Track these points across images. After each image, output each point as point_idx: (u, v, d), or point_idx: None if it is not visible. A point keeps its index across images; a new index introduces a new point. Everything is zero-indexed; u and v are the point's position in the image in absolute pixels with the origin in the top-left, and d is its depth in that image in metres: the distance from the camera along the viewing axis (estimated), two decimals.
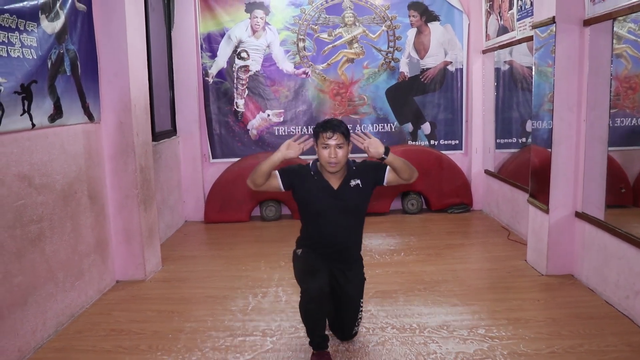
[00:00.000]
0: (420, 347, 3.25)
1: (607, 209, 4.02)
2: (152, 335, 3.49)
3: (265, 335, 3.45)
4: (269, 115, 6.72)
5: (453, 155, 6.81)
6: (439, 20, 6.66)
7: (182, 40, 6.40)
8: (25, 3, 3.19)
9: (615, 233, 3.71)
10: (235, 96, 6.65)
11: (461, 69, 6.74)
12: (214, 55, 6.56)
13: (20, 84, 3.12)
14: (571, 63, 4.11)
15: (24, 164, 3.22)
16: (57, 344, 3.41)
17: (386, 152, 3.02)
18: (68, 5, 3.72)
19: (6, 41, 3.00)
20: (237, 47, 6.57)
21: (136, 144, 4.36)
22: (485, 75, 6.51)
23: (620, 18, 3.84)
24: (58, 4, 3.58)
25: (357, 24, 6.64)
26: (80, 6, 3.91)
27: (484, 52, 6.47)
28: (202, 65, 6.56)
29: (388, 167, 3.12)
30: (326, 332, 3.13)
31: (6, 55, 2.99)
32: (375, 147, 3.03)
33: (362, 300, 3.29)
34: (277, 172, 3.13)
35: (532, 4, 4.81)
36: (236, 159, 6.66)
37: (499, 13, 5.88)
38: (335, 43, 6.65)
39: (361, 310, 3.29)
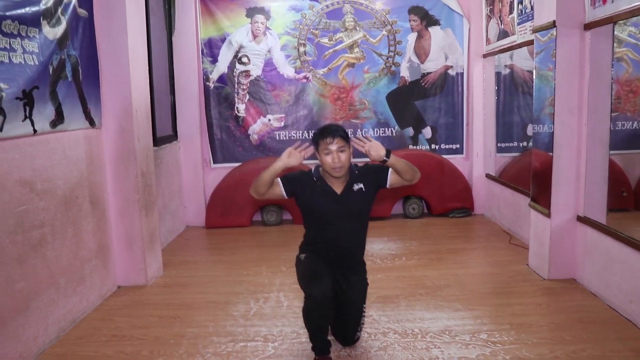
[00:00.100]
0: (422, 352, 3.24)
1: (608, 212, 4.02)
2: (154, 341, 3.49)
3: (267, 340, 3.45)
4: (269, 120, 6.72)
5: (454, 160, 6.81)
6: (439, 24, 6.67)
7: (183, 46, 6.40)
8: (27, 9, 3.20)
9: (617, 237, 3.70)
10: (236, 101, 6.65)
11: (462, 73, 6.74)
12: (214, 60, 6.57)
13: (22, 90, 3.13)
14: (572, 67, 4.12)
15: (25, 170, 3.22)
16: (59, 349, 3.40)
17: (387, 155, 3.02)
18: (69, 11, 3.73)
19: (8, 47, 3.00)
20: (237, 52, 6.58)
21: (137, 149, 4.36)
22: (486, 79, 6.52)
23: (621, 22, 3.84)
24: (59, 10, 3.59)
25: (357, 28, 6.64)
26: (82, 12, 3.92)
27: (485, 56, 6.48)
28: (203, 70, 6.57)
29: (390, 169, 3.12)
30: (328, 338, 3.13)
31: (8, 61, 3.00)
32: (377, 150, 3.03)
33: (364, 306, 3.28)
34: (279, 179, 3.13)
35: (532, 8, 4.82)
36: (237, 164, 6.66)
37: (500, 17, 5.89)
38: (336, 48, 6.66)
39: (364, 316, 3.29)
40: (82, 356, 3.32)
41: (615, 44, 3.97)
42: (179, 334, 3.57)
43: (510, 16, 5.55)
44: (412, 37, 6.69)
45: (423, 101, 6.79)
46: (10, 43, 3.02)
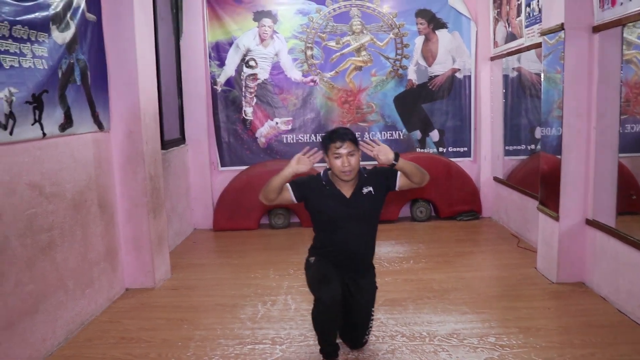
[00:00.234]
0: (430, 355, 3.23)
1: (618, 216, 4.00)
2: (162, 343, 3.50)
3: (275, 343, 3.45)
4: (277, 123, 6.73)
5: (462, 163, 6.79)
6: (446, 27, 6.66)
7: (190, 49, 6.43)
8: (36, 14, 3.22)
9: (627, 241, 3.68)
10: (244, 104, 6.67)
11: (469, 76, 6.73)
12: (222, 64, 6.59)
13: (31, 94, 3.15)
14: (580, 70, 4.10)
15: (35, 173, 3.24)
16: (67, 351, 3.41)
17: (396, 158, 3.02)
18: (78, 15, 3.75)
19: (18, 52, 3.03)
20: (245, 55, 6.60)
21: (145, 153, 4.38)
22: (494, 82, 6.50)
23: (630, 24, 3.82)
24: (68, 15, 3.62)
25: (364, 31, 6.65)
26: (90, 16, 3.95)
27: (492, 59, 6.47)
28: (210, 73, 6.59)
29: (399, 172, 3.12)
30: (337, 341, 3.13)
31: (18, 66, 3.02)
32: (385, 154, 3.03)
33: (373, 309, 3.28)
34: (288, 185, 3.13)
35: (540, 11, 4.81)
36: (245, 167, 6.67)
37: (507, 20, 5.88)
38: (343, 51, 6.67)
39: (372, 319, 3.29)
40: (90, 358, 3.34)
41: (624, 46, 3.95)
42: (186, 337, 3.58)
43: (518, 19, 5.54)
44: (419, 40, 6.69)
45: (430, 104, 6.78)
46: (20, 48, 3.05)
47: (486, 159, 6.70)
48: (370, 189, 3.16)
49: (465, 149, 6.88)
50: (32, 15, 3.18)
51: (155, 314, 4.00)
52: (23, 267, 3.10)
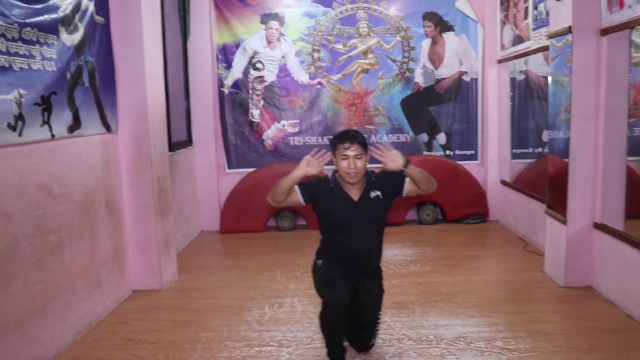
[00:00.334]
0: (437, 359, 3.22)
1: (626, 219, 3.98)
2: (169, 345, 3.50)
3: (282, 345, 3.45)
4: (284, 125, 6.74)
5: (469, 166, 6.78)
6: (453, 30, 6.65)
7: (197, 52, 6.45)
8: (46, 17, 3.24)
9: (635, 244, 3.66)
10: (251, 107, 6.68)
11: (476, 79, 6.72)
12: (229, 66, 6.61)
13: (40, 96, 3.17)
14: (588, 72, 4.09)
15: (43, 174, 3.26)
16: (76, 352, 3.43)
17: (406, 165, 3.02)
18: (87, 18, 3.77)
19: (27, 54, 3.04)
20: (252, 57, 6.61)
21: (153, 155, 4.39)
22: (501, 85, 6.49)
23: (639, 27, 3.81)
24: (77, 17, 3.64)
25: (371, 34, 6.65)
26: (99, 19, 3.97)
27: (499, 62, 6.46)
28: (217, 76, 6.61)
29: (408, 178, 3.12)
30: (343, 344, 3.13)
31: (27, 68, 3.04)
32: (394, 161, 3.02)
33: (380, 312, 3.28)
34: (297, 186, 3.13)
35: (547, 14, 4.80)
36: (252, 169, 6.68)
37: (514, 23, 5.87)
38: (350, 53, 6.67)
39: (379, 322, 3.28)
40: (98, 359, 3.34)
41: (632, 49, 3.94)
42: (193, 339, 3.58)
43: (525, 22, 5.53)
44: (426, 43, 6.69)
45: (437, 107, 6.78)
46: (29, 50, 3.07)
47: (493, 162, 6.68)
48: (378, 193, 3.15)
49: (473, 152, 6.86)
50: (42, 18, 3.20)
51: (162, 316, 4.01)
52: (32, 268, 3.12)
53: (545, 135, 5.30)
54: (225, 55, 6.60)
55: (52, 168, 3.36)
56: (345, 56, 6.68)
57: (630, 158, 4.04)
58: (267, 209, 6.44)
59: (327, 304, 2.97)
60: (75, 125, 3.61)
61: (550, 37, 4.45)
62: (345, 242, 3.15)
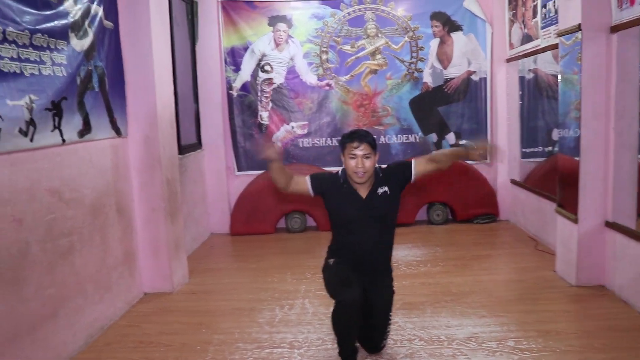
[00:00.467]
0: (448, 359, 3.21)
1: (638, 217, 3.95)
2: (181, 347, 3.51)
3: (293, 347, 3.45)
4: (293, 127, 6.75)
5: (478, 165, 6.75)
6: (461, 30, 6.64)
7: (206, 55, 6.47)
8: (56, 22, 3.27)
9: None
10: (260, 109, 6.69)
11: (485, 79, 6.70)
12: (237, 69, 6.63)
13: (51, 101, 3.19)
14: (598, 70, 4.06)
15: (54, 179, 3.28)
16: (88, 355, 3.45)
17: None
18: (96, 23, 3.80)
19: (38, 60, 3.07)
20: (260, 60, 6.62)
21: (162, 158, 4.41)
22: (510, 84, 6.47)
23: None
24: (87, 22, 3.66)
25: (379, 35, 6.65)
26: (108, 24, 3.99)
27: (508, 60, 6.43)
28: (226, 78, 6.63)
29: (414, 162, 3.16)
30: (356, 345, 3.14)
31: (38, 74, 3.07)
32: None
33: (390, 313, 3.27)
34: (308, 177, 3.18)
35: (556, 12, 4.77)
36: (261, 172, 6.68)
37: (523, 21, 5.84)
38: (358, 54, 6.67)
39: (390, 323, 3.28)
40: None
41: None
42: (205, 341, 3.59)
43: (534, 20, 5.50)
44: (434, 43, 6.67)
45: (446, 107, 6.76)
46: (40, 56, 3.09)
47: (503, 161, 6.65)
48: (386, 188, 3.16)
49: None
50: (52, 24, 3.23)
51: (173, 318, 4.03)
52: (43, 272, 3.14)
53: (555, 134, 5.28)
54: (234, 58, 6.62)
55: (63, 173, 3.38)
56: (353, 57, 6.68)
57: None
58: (277, 211, 6.45)
59: (339, 303, 2.97)
60: (86, 129, 3.64)
61: (560, 35, 4.42)
62: (354, 240, 3.15)
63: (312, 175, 3.20)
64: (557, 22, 4.70)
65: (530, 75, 6.17)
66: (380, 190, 3.15)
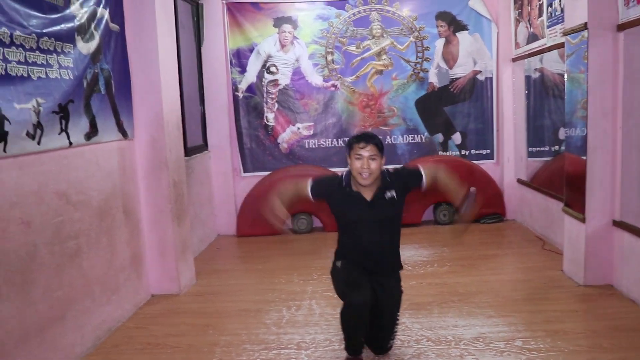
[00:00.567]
0: (456, 359, 3.20)
1: None
2: (188, 349, 3.52)
3: (300, 348, 3.45)
4: (299, 128, 6.75)
5: (485, 165, 6.74)
6: (467, 29, 6.62)
7: (212, 57, 6.49)
8: (62, 26, 3.29)
9: None
10: (265, 110, 6.70)
11: (491, 78, 6.68)
12: (243, 70, 6.64)
13: (58, 104, 3.21)
14: (605, 69, 4.05)
15: (61, 182, 3.30)
16: (96, 357, 3.46)
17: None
18: (102, 26, 3.82)
19: (45, 63, 3.09)
20: (266, 61, 6.63)
21: (169, 160, 4.42)
22: (516, 83, 6.45)
23: None
24: (93, 25, 3.68)
25: (385, 35, 6.64)
26: (114, 26, 4.01)
27: (514, 60, 6.42)
28: (231, 80, 6.64)
29: (424, 173, 3.17)
30: (362, 340, 3.17)
31: (45, 77, 3.08)
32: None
33: (398, 313, 3.27)
34: (309, 181, 3.20)
35: (562, 11, 4.76)
36: (267, 173, 6.69)
37: (529, 20, 5.83)
38: (364, 55, 6.67)
39: (397, 324, 3.27)
40: None
41: None
42: (212, 342, 3.60)
43: (540, 19, 5.49)
44: (439, 42, 6.66)
45: (452, 107, 6.75)
46: (47, 59, 3.11)
47: (509, 161, 6.64)
48: (394, 193, 3.15)
49: (488, 151, 6.83)
50: (58, 27, 3.25)
51: (180, 320, 4.03)
52: (51, 275, 3.15)
53: (562, 133, 5.26)
54: (239, 59, 6.63)
55: (70, 175, 3.40)
56: (358, 58, 6.68)
57: None
58: None
59: (349, 305, 2.98)
60: (92, 132, 3.66)
61: (566, 34, 4.41)
62: (361, 242, 3.15)
63: (313, 180, 3.22)
64: (563, 21, 4.68)
65: (537, 75, 6.15)
66: (388, 194, 3.14)
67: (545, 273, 4.65)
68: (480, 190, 6.46)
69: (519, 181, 6.50)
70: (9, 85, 2.79)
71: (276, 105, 6.70)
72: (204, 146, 6.44)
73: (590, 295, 4.10)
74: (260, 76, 6.65)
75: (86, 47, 3.58)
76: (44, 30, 3.09)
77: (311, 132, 6.76)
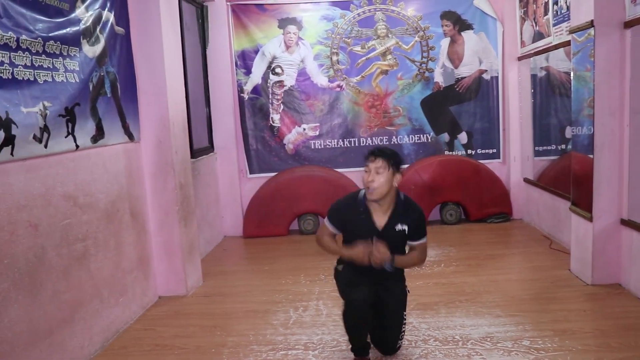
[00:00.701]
0: (463, 359, 3.20)
1: None
2: (196, 350, 3.53)
3: (308, 349, 3.45)
4: (304, 129, 6.76)
5: (491, 164, 6.73)
6: (472, 28, 6.61)
7: (217, 58, 6.50)
8: (68, 29, 3.30)
9: None
10: (271, 111, 6.71)
11: (497, 77, 6.67)
12: (248, 72, 6.65)
13: (64, 107, 3.23)
14: (611, 67, 4.03)
15: (69, 184, 3.32)
16: (104, 359, 3.47)
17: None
18: (107, 29, 3.83)
19: (51, 67, 3.10)
20: (271, 62, 6.64)
21: (175, 162, 4.43)
22: (522, 82, 6.43)
23: None
24: (98, 29, 3.70)
25: (390, 35, 6.64)
26: (119, 29, 4.03)
27: (520, 59, 6.40)
28: (237, 81, 6.65)
29: (422, 240, 3.20)
30: (368, 341, 3.17)
31: (51, 80, 3.10)
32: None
33: (405, 314, 3.26)
34: (327, 222, 3.21)
35: (568, 8, 4.74)
36: (273, 174, 6.70)
37: (534, 19, 5.81)
38: (369, 55, 6.67)
39: (404, 324, 3.26)
40: None
41: None
42: (219, 343, 3.61)
43: (545, 17, 5.47)
44: (445, 42, 6.65)
45: (458, 106, 6.74)
46: (53, 63, 3.13)
47: (515, 160, 6.62)
48: (405, 227, 3.13)
49: (494, 150, 6.81)
50: (64, 31, 3.26)
51: (188, 321, 4.04)
52: (60, 277, 3.17)
53: (568, 132, 5.24)
54: (244, 61, 6.64)
55: (77, 178, 3.42)
56: (364, 58, 6.67)
57: None
58: (290, 213, 6.46)
59: (348, 303, 3.00)
60: (99, 135, 3.67)
61: (572, 32, 4.39)
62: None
63: (330, 217, 3.21)
64: (569, 19, 4.66)
65: (542, 73, 6.13)
66: (399, 227, 3.12)
67: (553, 272, 4.64)
68: (486, 189, 6.49)
69: (526, 180, 6.48)
70: (16, 89, 2.81)
71: (282, 106, 6.71)
72: (209, 148, 6.45)
73: (598, 294, 4.09)
74: (265, 77, 6.66)
75: (92, 51, 3.60)
76: (50, 34, 3.11)
77: (317, 133, 6.77)
